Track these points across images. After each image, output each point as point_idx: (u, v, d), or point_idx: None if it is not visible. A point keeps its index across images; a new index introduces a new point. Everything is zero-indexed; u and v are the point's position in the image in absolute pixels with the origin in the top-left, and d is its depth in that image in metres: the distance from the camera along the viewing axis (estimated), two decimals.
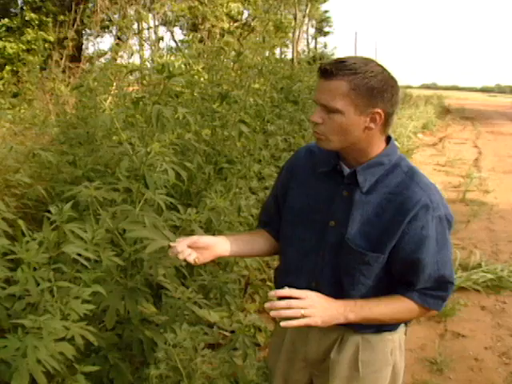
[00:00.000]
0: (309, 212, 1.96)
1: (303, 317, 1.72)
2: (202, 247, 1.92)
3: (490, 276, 5.58)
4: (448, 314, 4.74)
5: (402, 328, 2.07)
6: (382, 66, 1.79)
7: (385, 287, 1.89)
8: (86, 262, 2.03)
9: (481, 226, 7.81)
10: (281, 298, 1.72)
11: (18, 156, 4.64)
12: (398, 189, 1.81)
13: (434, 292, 1.87)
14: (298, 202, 2.00)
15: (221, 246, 1.98)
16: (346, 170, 1.88)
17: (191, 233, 3.11)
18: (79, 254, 2.19)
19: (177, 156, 3.87)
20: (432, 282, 1.85)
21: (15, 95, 10.81)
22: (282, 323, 1.70)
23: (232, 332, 3.38)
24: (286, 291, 1.73)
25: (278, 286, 1.94)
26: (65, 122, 5.28)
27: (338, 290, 1.89)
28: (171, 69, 5.14)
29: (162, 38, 15.79)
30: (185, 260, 1.87)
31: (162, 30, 19.78)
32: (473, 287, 5.42)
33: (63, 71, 12.96)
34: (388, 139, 1.89)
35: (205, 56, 8.58)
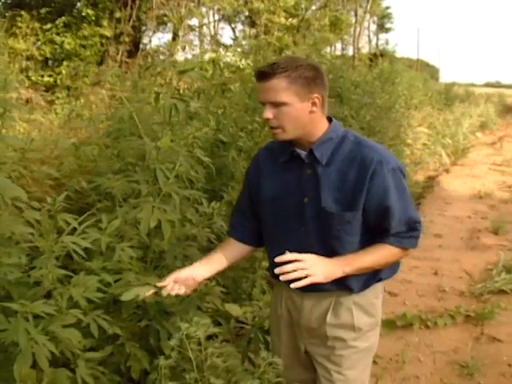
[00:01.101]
0: (282, 198, 2.20)
1: (308, 276, 1.97)
2: (185, 279, 2.22)
3: None
4: (486, 317, 4.62)
5: (380, 287, 2.33)
6: (306, 59, 2.17)
7: (369, 241, 2.15)
8: (82, 252, 2.07)
9: None
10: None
11: (64, 148, 4.77)
12: (352, 154, 2.10)
13: (407, 233, 2.15)
14: (270, 193, 2.24)
15: (199, 272, 2.27)
16: (303, 153, 2.14)
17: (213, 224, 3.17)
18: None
19: (207, 150, 3.91)
20: (403, 226, 2.12)
21: (69, 89, 11.05)
22: (292, 285, 1.96)
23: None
24: (290, 255, 1.97)
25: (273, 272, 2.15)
26: (113, 116, 5.37)
27: (326, 254, 2.10)
28: (221, 64, 5.16)
29: (215, 34, 15.91)
30: (177, 294, 2.23)
31: (222, 26, 19.95)
32: None
33: (120, 66, 13.20)
34: (329, 119, 2.19)
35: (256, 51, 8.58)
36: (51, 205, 2.01)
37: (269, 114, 2.04)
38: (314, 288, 2.11)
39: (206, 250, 3.23)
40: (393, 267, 2.27)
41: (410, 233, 2.15)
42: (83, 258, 2.61)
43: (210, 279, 3.17)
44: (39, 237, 2.20)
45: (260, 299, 3.83)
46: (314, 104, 2.06)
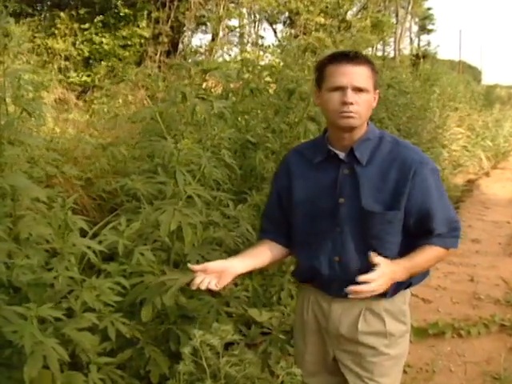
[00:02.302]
0: (316, 199, 2.16)
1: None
2: (217, 272, 2.05)
3: None
4: None
5: (408, 293, 2.31)
6: None
7: (408, 242, 2.12)
8: (92, 255, 2.03)
9: None
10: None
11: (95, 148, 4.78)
12: (392, 155, 2.10)
13: (449, 233, 2.14)
14: (304, 193, 2.19)
15: (235, 265, 2.12)
16: (341, 153, 2.12)
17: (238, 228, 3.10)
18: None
19: (236, 152, 3.86)
20: (445, 226, 2.12)
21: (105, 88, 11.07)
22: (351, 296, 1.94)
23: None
24: (366, 277, 1.92)
25: (303, 275, 2.30)
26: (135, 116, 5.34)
27: (364, 255, 2.08)
28: (249, 64, 5.09)
29: (242, 34, 15.88)
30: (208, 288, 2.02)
31: (263, 27, 19.91)
32: None
33: (158, 67, 13.23)
34: None
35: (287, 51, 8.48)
36: (61, 206, 1.97)
37: (352, 99, 2.01)
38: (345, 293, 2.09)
39: (234, 253, 3.17)
40: (424, 273, 2.25)
41: (452, 233, 2.15)
42: (108, 260, 2.60)
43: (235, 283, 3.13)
44: (59, 239, 2.17)
45: (288, 304, 3.76)
46: (375, 98, 2.11)
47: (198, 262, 2.81)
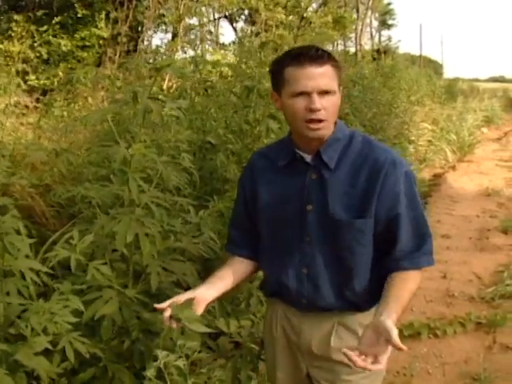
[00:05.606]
0: (281, 205, 1.99)
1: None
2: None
3: None
4: (498, 324, 4.37)
5: None
6: None
7: (379, 255, 1.94)
8: (34, 276, 1.85)
9: None
10: None
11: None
12: (362, 155, 1.91)
13: (418, 252, 1.91)
14: (267, 199, 2.02)
15: (205, 294, 1.96)
16: (307, 156, 1.94)
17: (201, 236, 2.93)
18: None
19: (195, 154, 3.70)
20: (413, 240, 1.90)
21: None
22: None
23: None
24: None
25: (271, 289, 2.13)
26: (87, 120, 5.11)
27: (334, 268, 1.95)
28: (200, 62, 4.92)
29: (202, 33, 15.75)
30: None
31: (223, 25, 19.86)
32: None
33: (118, 67, 12.96)
34: None
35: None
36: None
37: (320, 105, 1.80)
38: (317, 307, 1.99)
39: (198, 261, 3.00)
40: None
41: (421, 250, 1.91)
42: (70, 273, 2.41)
43: None
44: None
45: (258, 311, 3.60)
46: (340, 98, 1.91)
47: (158, 273, 2.64)
